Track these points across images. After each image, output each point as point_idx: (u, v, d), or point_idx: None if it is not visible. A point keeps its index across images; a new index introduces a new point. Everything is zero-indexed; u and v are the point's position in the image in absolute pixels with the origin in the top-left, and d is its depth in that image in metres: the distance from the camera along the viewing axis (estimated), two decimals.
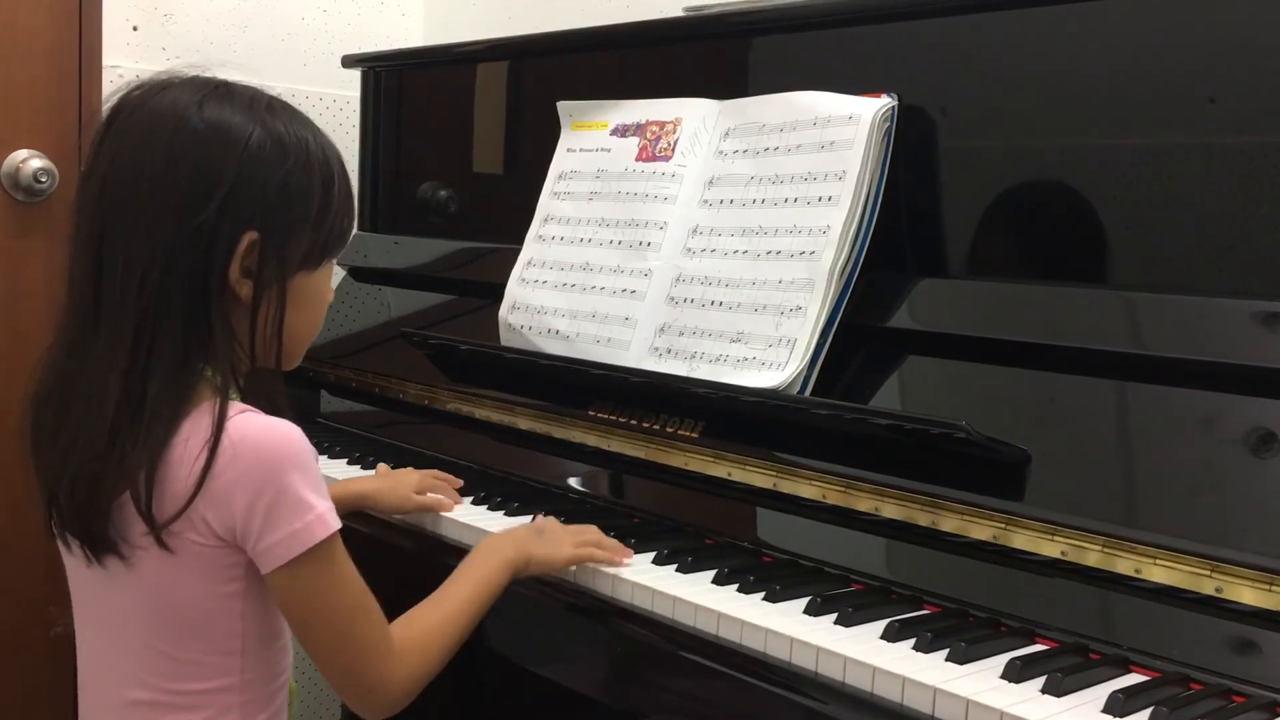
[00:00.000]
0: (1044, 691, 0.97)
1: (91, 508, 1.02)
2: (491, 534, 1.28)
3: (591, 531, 1.28)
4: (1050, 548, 1.11)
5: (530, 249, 1.68)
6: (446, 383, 1.73)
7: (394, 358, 1.82)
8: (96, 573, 1.06)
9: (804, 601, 1.14)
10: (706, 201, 1.50)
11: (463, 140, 2.02)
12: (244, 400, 1.07)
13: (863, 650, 1.04)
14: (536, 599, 1.25)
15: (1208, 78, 1.19)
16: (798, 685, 1.04)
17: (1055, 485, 1.15)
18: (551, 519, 1.31)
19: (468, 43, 2.03)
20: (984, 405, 1.24)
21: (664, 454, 1.43)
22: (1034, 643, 1.08)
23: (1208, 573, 1.02)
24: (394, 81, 2.15)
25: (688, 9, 1.72)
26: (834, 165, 1.37)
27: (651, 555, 1.27)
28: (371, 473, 1.55)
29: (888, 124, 1.36)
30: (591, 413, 1.51)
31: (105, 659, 1.10)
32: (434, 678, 1.12)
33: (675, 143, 1.57)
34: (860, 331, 1.35)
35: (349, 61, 2.18)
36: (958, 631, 1.08)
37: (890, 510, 1.22)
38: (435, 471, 1.52)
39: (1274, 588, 0.99)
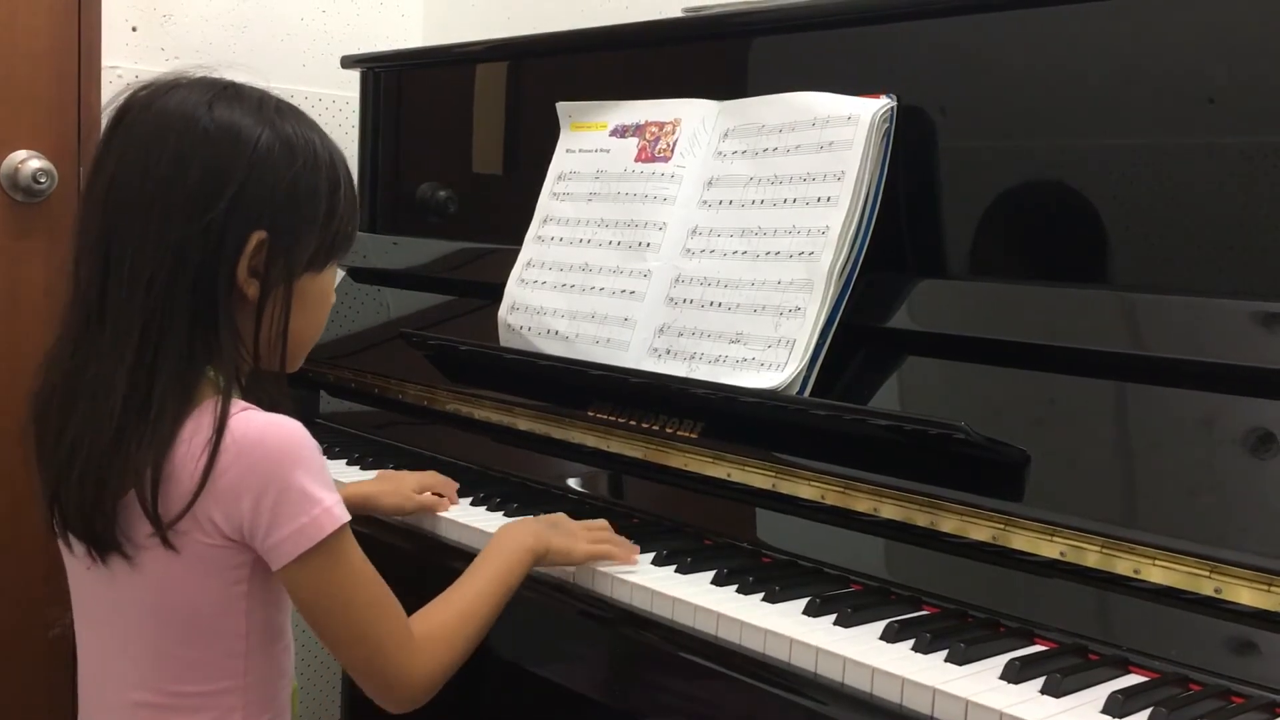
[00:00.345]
0: (1043, 692, 0.97)
1: (97, 506, 1.02)
2: (508, 524, 1.28)
3: (603, 527, 1.28)
4: (1049, 548, 1.11)
5: (529, 249, 1.68)
6: (446, 383, 1.73)
7: (393, 358, 1.82)
8: (98, 574, 1.06)
9: (803, 602, 1.14)
10: (705, 202, 1.50)
11: (462, 141, 2.02)
12: (248, 400, 1.07)
13: (862, 651, 1.04)
14: (537, 600, 1.25)
15: (1208, 78, 1.19)
16: (797, 686, 1.04)
17: (1054, 486, 1.15)
18: (562, 515, 1.30)
19: (467, 43, 2.03)
20: (983, 406, 1.24)
21: (663, 454, 1.43)
22: (1033, 643, 1.08)
23: (1207, 573, 1.02)
24: (393, 82, 2.15)
25: (687, 9, 1.72)
26: (833, 166, 1.37)
27: (651, 556, 1.27)
28: (370, 475, 1.56)
29: (887, 124, 1.36)
30: (591, 413, 1.51)
31: (107, 660, 1.10)
32: (458, 669, 1.12)
33: (674, 143, 1.57)
34: (859, 332, 1.35)
35: (348, 62, 2.18)
36: (957, 632, 1.08)
37: (889, 511, 1.22)
38: (432, 473, 1.52)
39: (1273, 588, 0.99)
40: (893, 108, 1.36)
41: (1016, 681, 0.99)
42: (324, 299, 1.14)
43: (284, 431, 1.03)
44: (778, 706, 1.04)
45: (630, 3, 2.10)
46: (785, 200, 1.41)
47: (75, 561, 1.09)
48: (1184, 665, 1.01)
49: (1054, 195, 1.31)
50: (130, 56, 2.21)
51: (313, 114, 1.14)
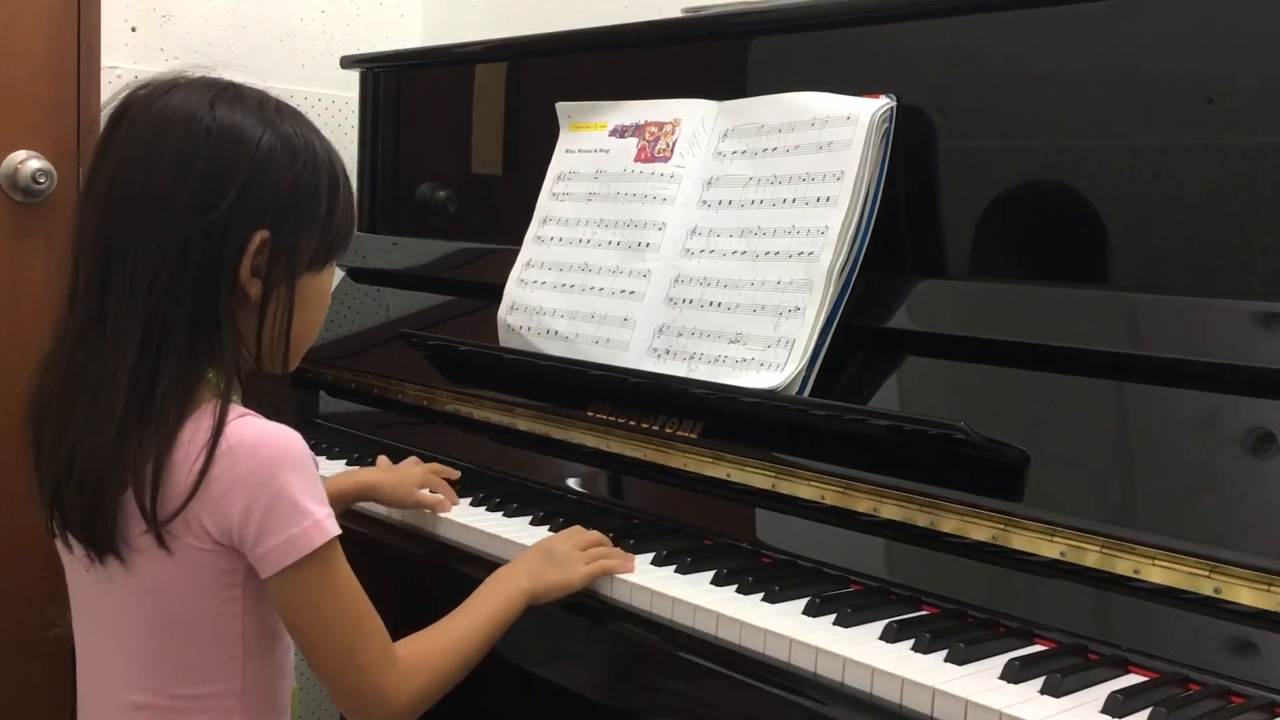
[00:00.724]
0: (1043, 692, 0.97)
1: (96, 507, 1.02)
2: (505, 565, 1.26)
3: (598, 541, 1.27)
4: (1049, 548, 1.11)
5: (529, 250, 1.68)
6: (445, 383, 1.73)
7: (393, 358, 1.82)
8: (96, 576, 1.06)
9: (803, 602, 1.14)
10: (705, 202, 1.50)
11: (461, 141, 2.02)
12: (248, 402, 1.07)
13: (862, 651, 1.04)
14: None
15: (1207, 78, 1.19)
16: (797, 686, 1.04)
17: (1054, 486, 1.15)
18: (559, 537, 1.28)
19: (466, 43, 2.03)
20: (983, 406, 1.24)
21: (663, 455, 1.43)
22: (1033, 643, 1.08)
23: (1206, 573, 1.02)
24: (393, 82, 2.15)
25: (686, 10, 1.72)
26: (832, 166, 1.37)
27: (650, 556, 1.27)
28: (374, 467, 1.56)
29: (886, 124, 1.36)
30: (590, 413, 1.51)
31: (105, 663, 1.10)
32: (440, 697, 1.11)
33: (674, 143, 1.57)
34: (859, 332, 1.35)
35: (348, 62, 2.18)
36: (956, 632, 1.08)
37: (889, 511, 1.22)
38: (436, 465, 1.52)
39: (1273, 588, 0.99)
40: (892, 108, 1.36)
41: (1016, 681, 0.99)
42: (323, 298, 1.14)
43: (280, 440, 1.03)
44: (777, 706, 1.04)
45: (629, 2, 2.10)
46: (785, 200, 1.41)
47: (74, 563, 1.09)
48: (1184, 665, 1.01)
49: (1054, 195, 1.31)
50: (130, 57, 2.21)
51: (312, 114, 1.14)
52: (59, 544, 1.10)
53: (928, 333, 1.31)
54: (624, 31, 1.77)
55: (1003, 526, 1.14)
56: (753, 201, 1.45)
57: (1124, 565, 1.07)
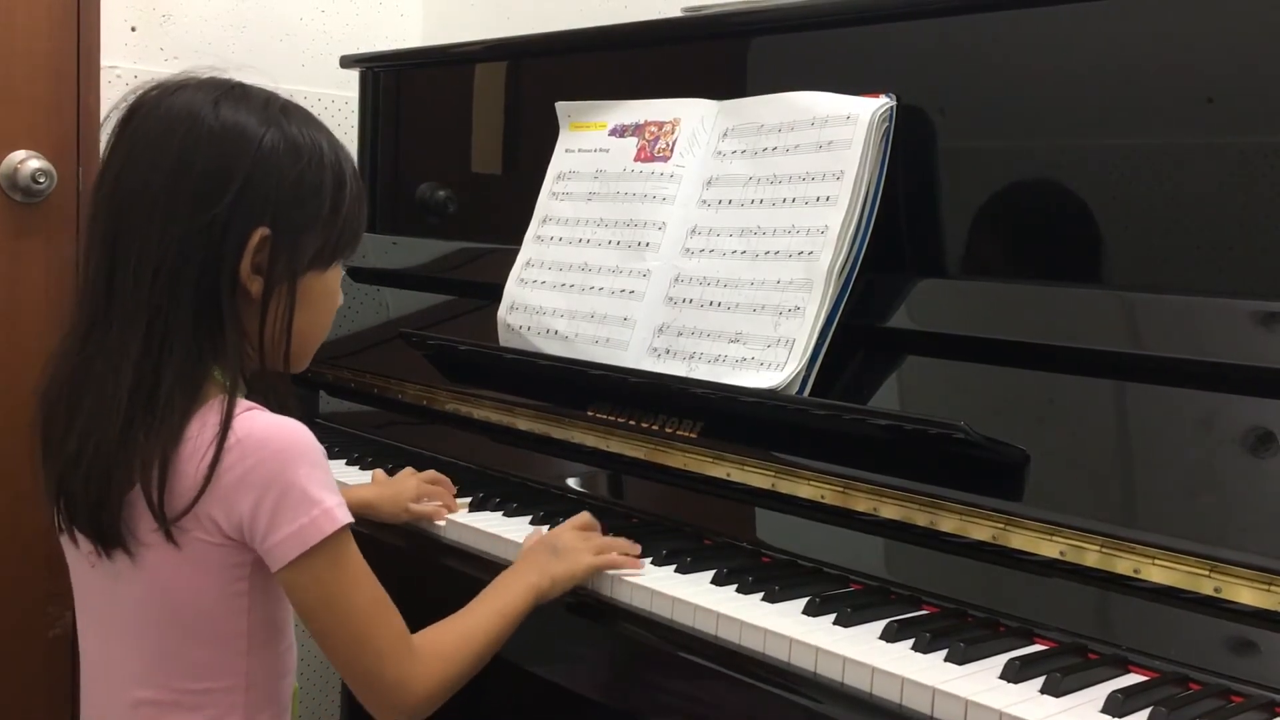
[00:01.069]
0: (1043, 692, 0.97)
1: (103, 501, 1.02)
2: (510, 565, 1.26)
3: (596, 530, 1.28)
4: (1049, 548, 1.11)
5: (529, 249, 1.68)
6: (445, 383, 1.73)
7: (393, 358, 1.82)
8: (102, 570, 1.06)
9: (803, 602, 1.14)
10: (705, 202, 1.50)
11: (461, 140, 2.02)
12: (254, 398, 1.07)
13: (861, 651, 1.04)
14: None
15: (1207, 78, 1.19)
16: (796, 685, 1.04)
17: (1054, 485, 1.15)
18: (559, 530, 1.29)
19: (466, 43, 2.03)
20: (982, 405, 1.24)
21: (663, 454, 1.43)
22: (1033, 643, 1.08)
23: (1206, 573, 1.02)
24: (392, 82, 2.15)
25: (686, 9, 1.72)
26: (832, 165, 1.37)
27: (651, 556, 1.26)
28: (369, 475, 1.55)
29: (886, 124, 1.36)
30: (590, 413, 1.51)
31: (109, 658, 1.10)
32: (455, 691, 1.11)
33: (674, 143, 1.57)
34: (859, 332, 1.35)
35: (347, 62, 2.18)
36: (956, 632, 1.08)
37: (889, 510, 1.22)
38: (432, 473, 1.52)
39: (1273, 588, 0.99)
40: (892, 107, 1.36)
41: (1016, 681, 0.99)
42: (329, 298, 1.14)
43: (288, 433, 1.03)
44: (777, 706, 1.04)
45: (629, 2, 2.10)
46: (784, 200, 1.41)
47: (79, 558, 1.10)
48: (1184, 665, 1.01)
49: (1054, 195, 1.31)
50: (129, 56, 2.21)
51: (312, 114, 1.14)
52: (64, 539, 1.10)
53: (927, 332, 1.31)
54: (624, 31, 1.77)
55: (1003, 526, 1.14)
56: (752, 201, 1.45)
57: (1124, 565, 1.07)
